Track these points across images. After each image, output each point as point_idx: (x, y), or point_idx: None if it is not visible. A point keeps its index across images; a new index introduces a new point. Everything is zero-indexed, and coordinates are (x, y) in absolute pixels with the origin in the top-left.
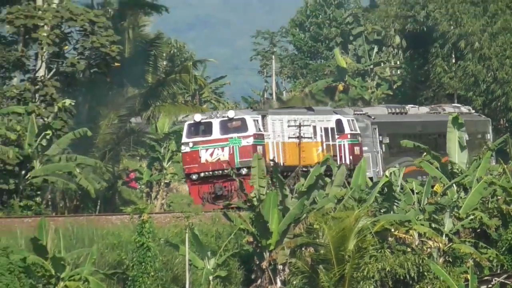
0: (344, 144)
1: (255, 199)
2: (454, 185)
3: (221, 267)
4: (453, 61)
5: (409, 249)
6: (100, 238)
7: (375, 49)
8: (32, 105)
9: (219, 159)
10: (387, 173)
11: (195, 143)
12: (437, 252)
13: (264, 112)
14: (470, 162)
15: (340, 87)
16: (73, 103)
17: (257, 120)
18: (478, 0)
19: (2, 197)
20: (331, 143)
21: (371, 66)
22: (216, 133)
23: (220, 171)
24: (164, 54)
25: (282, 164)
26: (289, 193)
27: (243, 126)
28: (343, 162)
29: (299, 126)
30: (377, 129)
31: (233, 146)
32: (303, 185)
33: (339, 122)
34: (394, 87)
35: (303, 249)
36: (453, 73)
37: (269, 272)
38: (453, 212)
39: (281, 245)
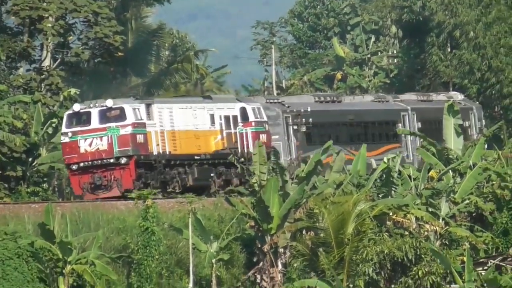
0: (247, 132)
1: (256, 184)
2: (450, 170)
3: (224, 251)
4: (449, 50)
5: (406, 233)
6: (105, 223)
7: (372, 39)
8: (38, 94)
9: (98, 148)
10: (385, 159)
11: (74, 133)
12: (434, 235)
13: (149, 101)
14: (465, 149)
15: (339, 75)
16: (78, 92)
17: (138, 109)
18: None
19: (10, 184)
20: (232, 131)
21: (369, 56)
22: (95, 122)
23: (99, 161)
24: (166, 44)
25: (168, 153)
26: (289, 178)
27: (121, 115)
28: (246, 150)
29: (299, 114)
30: (289, 116)
31: (111, 136)
32: (303, 171)
33: (243, 110)
34: (391, 76)
35: (303, 232)
36: (448, 62)
37: (270, 255)
38: (449, 197)
39: (282, 229)
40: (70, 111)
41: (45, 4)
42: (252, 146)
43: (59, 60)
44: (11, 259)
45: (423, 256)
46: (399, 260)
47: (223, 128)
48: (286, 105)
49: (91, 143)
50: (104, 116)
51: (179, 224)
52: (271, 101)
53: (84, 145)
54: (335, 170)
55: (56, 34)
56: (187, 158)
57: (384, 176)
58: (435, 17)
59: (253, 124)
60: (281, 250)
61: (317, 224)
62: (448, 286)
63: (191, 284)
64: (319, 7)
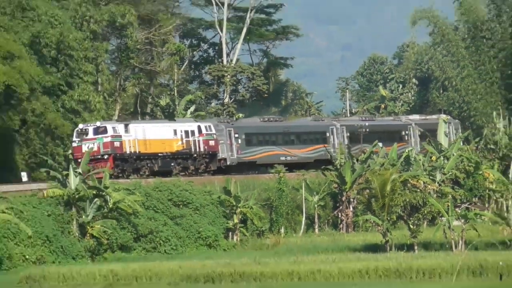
0: (199, 140)
1: (338, 164)
2: (442, 156)
3: (321, 200)
4: (441, 91)
5: (418, 190)
6: (258, 185)
7: (400, 86)
8: (222, 117)
9: (92, 149)
10: (406, 150)
11: (79, 140)
12: (433, 191)
13: (127, 122)
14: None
15: (383, 106)
16: (243, 116)
17: (116, 127)
18: (455, 59)
19: None
20: (190, 139)
21: (398, 95)
22: (90, 134)
23: (92, 156)
24: (290, 89)
25: (138, 151)
26: (355, 161)
27: (105, 130)
28: (198, 150)
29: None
30: (232, 130)
31: (99, 142)
32: (363, 157)
33: (198, 127)
34: (410, 106)
35: (364, 190)
36: (441, 98)
37: (346, 203)
38: (441, 170)
39: (352, 188)
40: (77, 128)
41: (225, 68)
42: (203, 149)
43: (233, 99)
44: (208, 205)
45: (427, 202)
46: (414, 204)
47: (183, 137)
48: (230, 122)
49: (89, 147)
50: (96, 131)
51: (297, 186)
52: (221, 121)
53: (84, 148)
54: (380, 157)
55: (231, 84)
56: (153, 155)
57: (406, 160)
58: (435, 74)
59: (204, 135)
60: (352, 199)
61: (371, 186)
62: (440, 218)
63: (304, 218)
64: (372, 69)
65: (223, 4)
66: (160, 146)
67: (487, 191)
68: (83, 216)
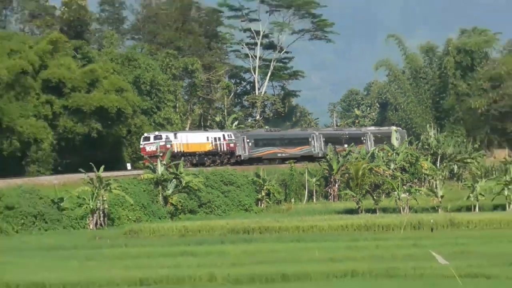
0: (223, 143)
1: (328, 158)
2: (394, 153)
3: (317, 181)
4: (394, 111)
5: (379, 174)
6: (277, 171)
7: (368, 108)
8: (254, 129)
9: (152, 150)
10: (371, 149)
11: (145, 144)
12: (388, 175)
13: (175, 132)
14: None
15: (357, 121)
16: (267, 127)
17: (168, 135)
18: (403, 91)
19: None
20: (217, 142)
21: (367, 114)
22: (151, 139)
23: (154, 154)
24: (298, 111)
25: (182, 151)
26: (339, 155)
27: (160, 137)
28: (222, 150)
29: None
30: (245, 137)
31: (157, 145)
32: (344, 153)
33: (223, 135)
34: (374, 121)
35: (345, 174)
36: (394, 116)
37: (333, 182)
38: (394, 161)
39: (337, 173)
40: (143, 136)
41: (256, 96)
42: (226, 149)
43: (262, 117)
44: (245, 184)
45: (385, 182)
46: (377, 183)
47: (212, 141)
48: (244, 132)
49: (150, 148)
50: (155, 137)
51: (302, 171)
52: (238, 131)
53: (147, 148)
54: (356, 153)
55: (261, 107)
56: (193, 153)
57: (371, 155)
58: (390, 100)
59: (226, 140)
60: (337, 180)
61: (349, 171)
62: (393, 192)
63: (306, 192)
64: (350, 97)
65: (256, 57)
66: (197, 147)
67: (423, 175)
68: (166, 191)
